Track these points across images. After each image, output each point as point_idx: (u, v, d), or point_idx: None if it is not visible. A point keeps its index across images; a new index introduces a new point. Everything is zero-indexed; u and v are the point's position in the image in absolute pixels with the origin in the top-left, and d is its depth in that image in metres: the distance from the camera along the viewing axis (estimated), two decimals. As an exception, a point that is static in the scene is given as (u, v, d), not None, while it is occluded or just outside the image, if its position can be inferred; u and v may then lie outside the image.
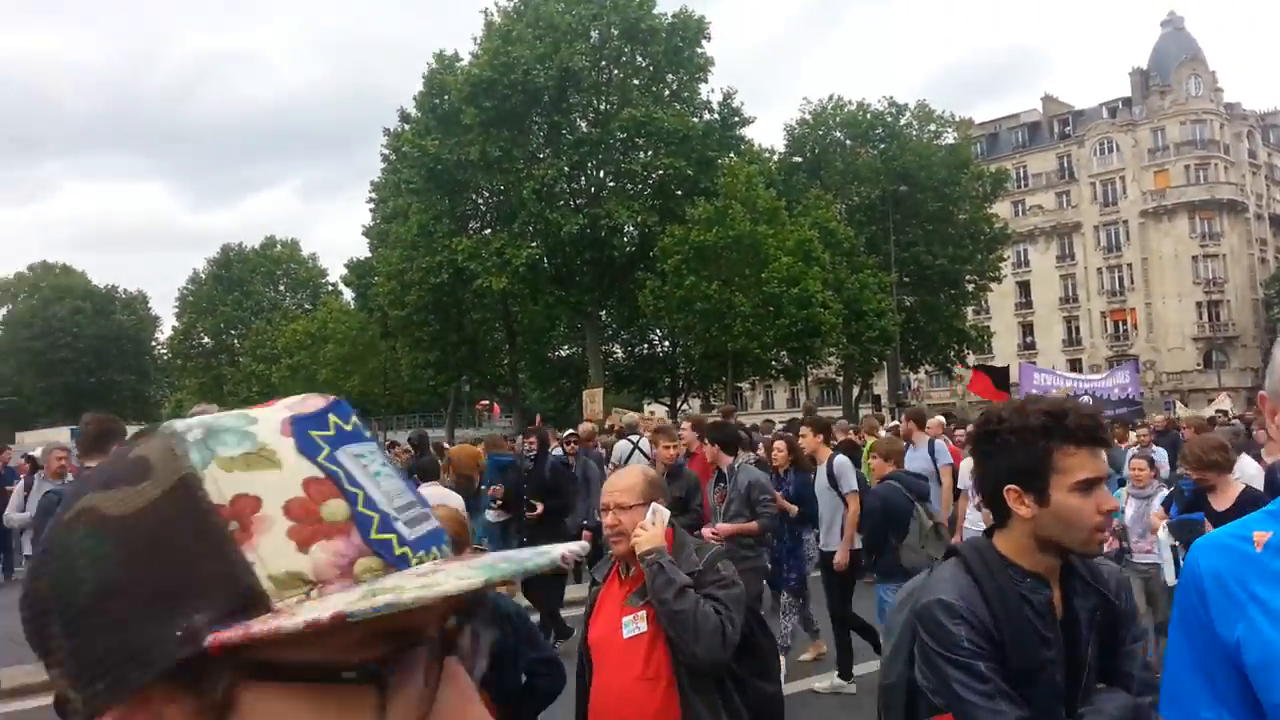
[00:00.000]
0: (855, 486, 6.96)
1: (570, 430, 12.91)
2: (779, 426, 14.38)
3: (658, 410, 54.48)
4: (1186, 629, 1.34)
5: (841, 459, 7.19)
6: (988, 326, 52.30)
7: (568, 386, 45.33)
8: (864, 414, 42.25)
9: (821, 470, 7.19)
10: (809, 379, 43.74)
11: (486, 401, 53.77)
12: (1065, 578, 2.01)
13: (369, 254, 46.75)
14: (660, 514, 2.79)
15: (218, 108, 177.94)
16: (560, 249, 35.56)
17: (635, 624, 2.74)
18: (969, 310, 48.69)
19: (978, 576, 1.95)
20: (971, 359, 47.42)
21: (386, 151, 42.40)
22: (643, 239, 36.58)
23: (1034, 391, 23.76)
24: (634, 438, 10.42)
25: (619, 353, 45.16)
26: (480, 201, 39.45)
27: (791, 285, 31.81)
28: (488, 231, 37.88)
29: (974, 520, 7.58)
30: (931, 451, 9.43)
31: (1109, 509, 1.93)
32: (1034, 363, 65.47)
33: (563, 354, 46.85)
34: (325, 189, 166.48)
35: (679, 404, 44.58)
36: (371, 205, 46.40)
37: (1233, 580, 1.28)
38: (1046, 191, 68.66)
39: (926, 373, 52.42)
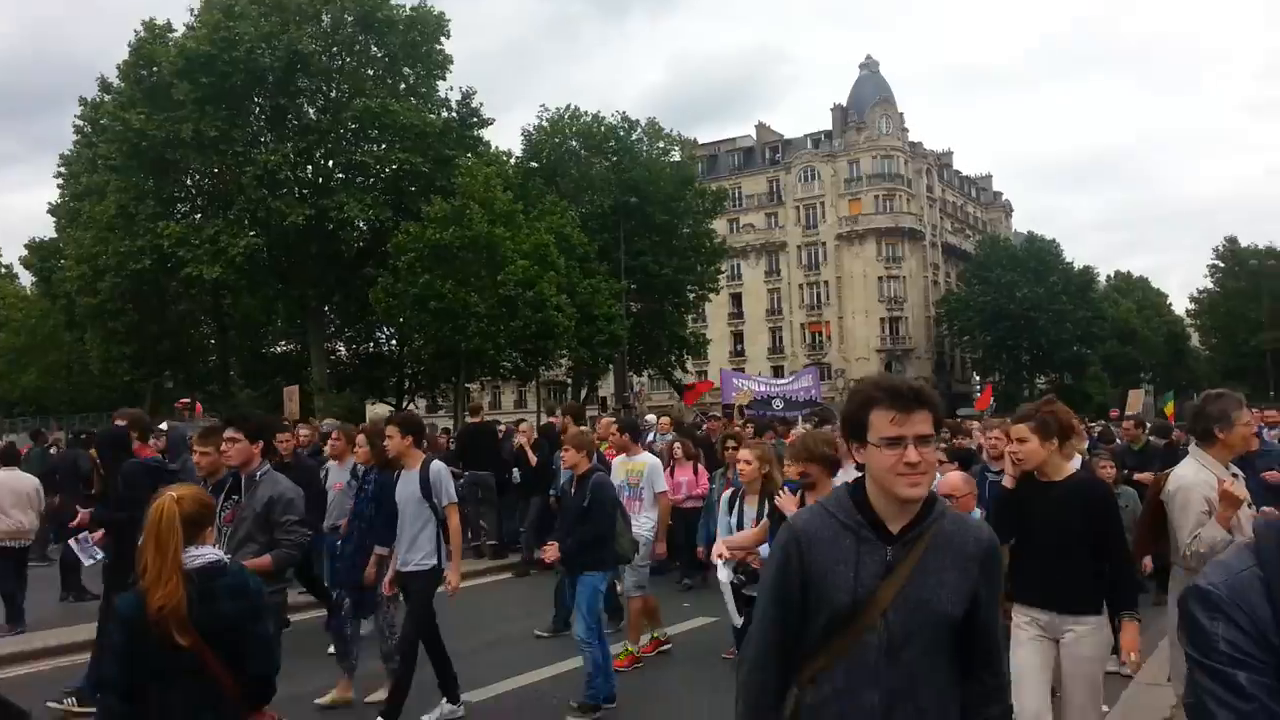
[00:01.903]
0: (455, 498, 6.16)
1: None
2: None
3: (381, 409, 52.74)
4: None
5: (438, 465, 6.15)
6: (704, 334, 55.47)
7: (283, 385, 42.75)
8: (591, 415, 43.61)
9: (412, 476, 6.05)
10: (539, 380, 44.28)
11: (188, 400, 49.51)
12: None
13: (55, 234, 41.68)
14: None
15: None
16: (283, 240, 33.57)
17: None
18: (689, 318, 51.39)
19: (1264, 561, 1.49)
20: (690, 364, 50.24)
21: (81, 123, 38.07)
22: (374, 234, 35.37)
23: (734, 395, 25.96)
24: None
25: (343, 350, 43.32)
26: (191, 184, 36.40)
27: (527, 288, 32.12)
28: (199, 217, 35.05)
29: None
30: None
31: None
32: (743, 369, 70.43)
33: (280, 350, 44.17)
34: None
35: (404, 404, 43.53)
36: (60, 181, 41.42)
37: None
38: (758, 211, 74.06)
39: (650, 376, 54.72)
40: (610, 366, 44.56)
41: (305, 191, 34.70)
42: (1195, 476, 4.25)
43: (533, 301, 32.35)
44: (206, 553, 3.03)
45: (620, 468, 7.91)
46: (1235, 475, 4.29)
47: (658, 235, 44.50)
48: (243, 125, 33.69)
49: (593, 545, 6.26)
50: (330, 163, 35.76)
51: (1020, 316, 60.70)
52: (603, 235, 42.11)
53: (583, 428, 8.25)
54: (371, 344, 42.68)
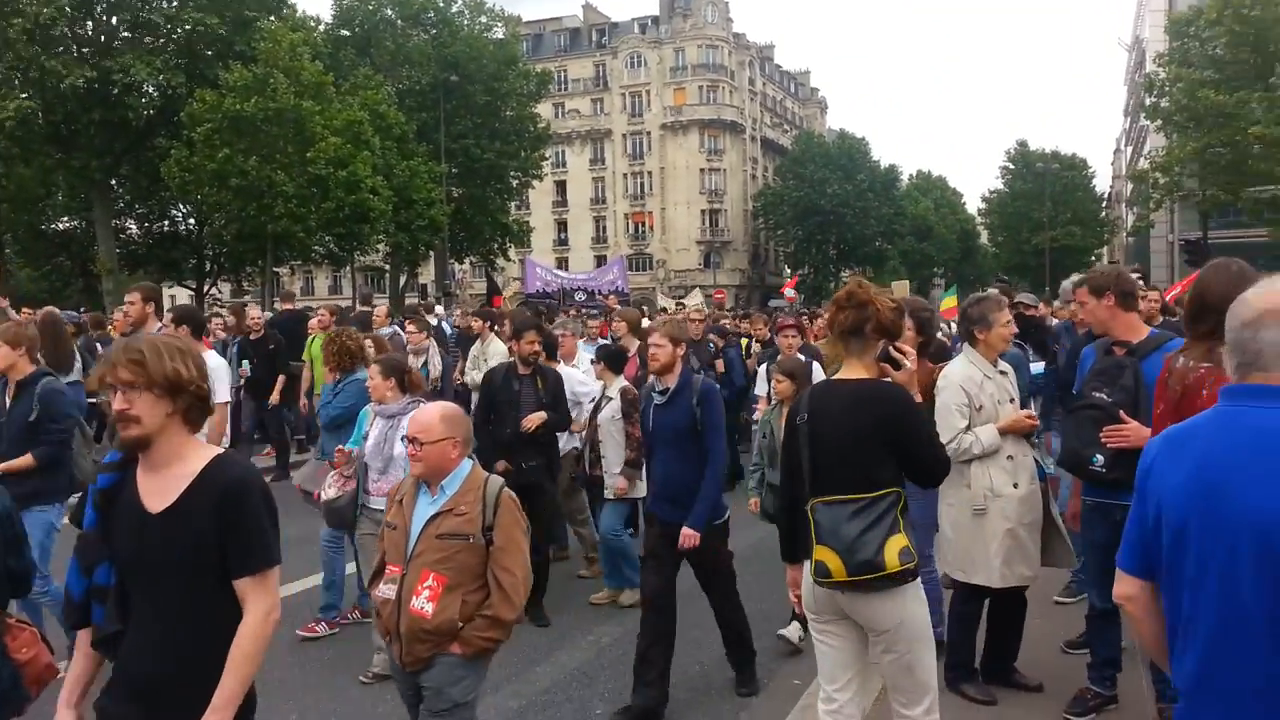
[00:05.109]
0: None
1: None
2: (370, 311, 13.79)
3: (179, 295, 49.46)
4: None
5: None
6: (528, 221, 54.78)
7: (67, 265, 39.31)
8: (410, 301, 42.57)
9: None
10: (355, 265, 42.66)
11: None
12: None
13: None
14: None
15: None
16: (61, 104, 30.19)
17: None
18: (512, 205, 50.48)
19: None
20: (513, 252, 49.63)
21: None
22: (166, 101, 32.32)
23: (538, 285, 26.14)
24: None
25: (134, 228, 40.00)
26: (-55, 34, 31.95)
27: (340, 167, 30.49)
28: (-42, 73, 30.98)
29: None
30: None
31: None
32: (566, 259, 70.43)
33: (62, 227, 40.29)
34: None
35: (206, 288, 41.01)
36: None
37: None
38: (584, 97, 72.85)
39: (471, 264, 53.76)
40: (431, 253, 43.40)
41: (85, 50, 31.22)
42: (962, 372, 4.58)
43: (345, 182, 30.75)
44: None
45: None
46: (1003, 372, 4.65)
47: (479, 117, 43.05)
48: (7, -30, 29.74)
49: (44, 471, 5.03)
50: (114, 19, 32.22)
51: (830, 212, 63.25)
52: (421, 115, 40.32)
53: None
54: (167, 222, 39.57)
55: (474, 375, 9.57)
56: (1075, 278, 8.16)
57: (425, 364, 9.31)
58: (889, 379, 3.36)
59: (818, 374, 6.29)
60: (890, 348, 3.37)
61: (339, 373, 6.34)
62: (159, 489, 2.38)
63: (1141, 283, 5.74)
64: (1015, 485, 4.46)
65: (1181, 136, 34.56)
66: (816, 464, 3.28)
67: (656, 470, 5.11)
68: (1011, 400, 4.61)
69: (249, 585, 2.37)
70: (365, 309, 15.69)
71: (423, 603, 3.17)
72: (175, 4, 31.67)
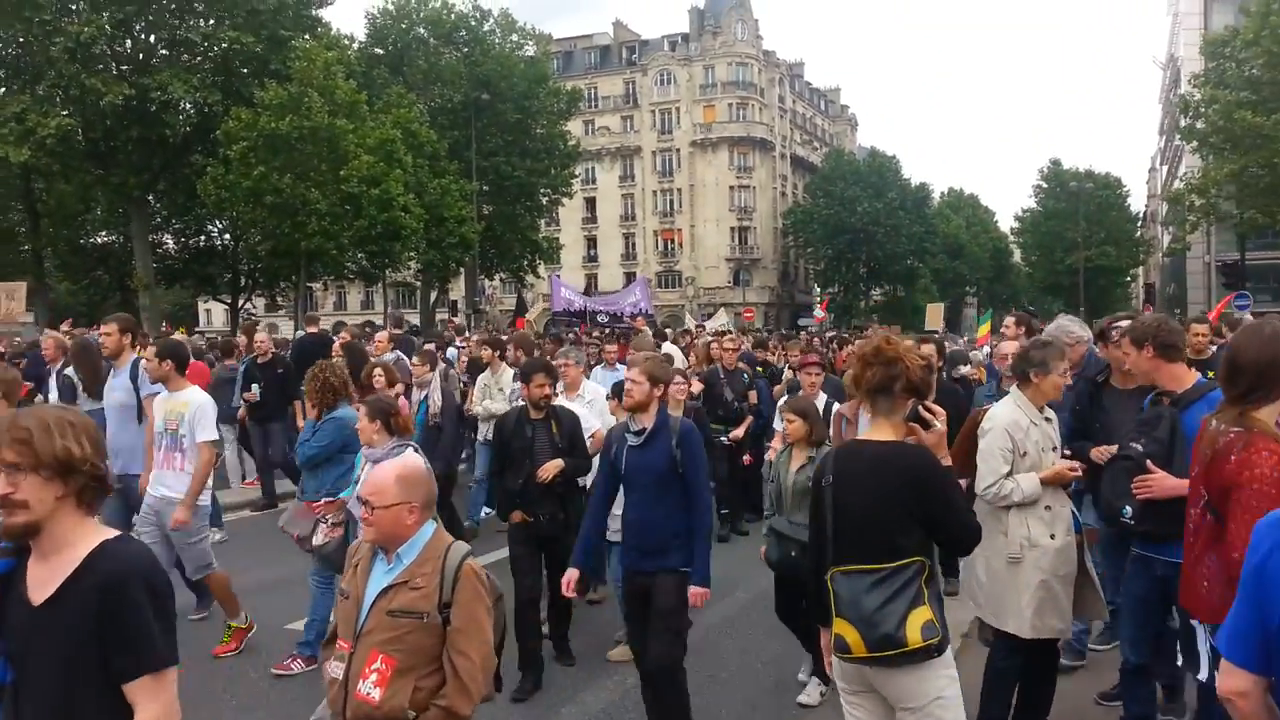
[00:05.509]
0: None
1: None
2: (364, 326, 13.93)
3: (215, 309, 50.01)
4: None
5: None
6: (558, 238, 55.01)
7: (105, 279, 39.97)
8: (440, 317, 42.90)
9: (125, 372, 6.66)
10: (386, 282, 43.04)
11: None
12: None
13: None
14: None
15: None
16: (100, 121, 30.74)
17: None
18: (542, 222, 50.76)
19: None
20: (543, 269, 49.86)
21: None
22: (202, 119, 32.85)
23: (563, 304, 26.16)
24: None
25: (170, 243, 40.63)
26: (-9, 54, 32.68)
27: (373, 185, 30.83)
28: (2, 92, 31.63)
29: None
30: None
31: None
32: (595, 275, 70.59)
33: (100, 241, 41.02)
34: None
35: (241, 303, 41.56)
36: None
37: None
38: (614, 114, 73.17)
39: (501, 280, 54.06)
40: (461, 270, 43.71)
41: (124, 68, 31.78)
42: (1009, 416, 4.45)
43: (378, 200, 31.10)
44: None
45: (160, 406, 6.28)
46: (1049, 419, 4.53)
47: (510, 135, 43.36)
48: (50, -10, 30.41)
49: None
50: (152, 38, 32.77)
51: (860, 230, 62.97)
52: (453, 133, 40.70)
53: None
54: (203, 237, 40.19)
55: (487, 405, 9.35)
56: (1017, 314, 8.11)
57: (426, 398, 8.82)
58: (916, 440, 3.23)
59: (835, 408, 6.19)
60: (920, 407, 3.24)
61: (321, 409, 6.06)
62: (44, 578, 2.13)
63: (1185, 318, 5.64)
64: (1052, 536, 4.36)
65: (1218, 158, 34.10)
66: (838, 529, 3.16)
67: (629, 516, 4.79)
68: (1055, 449, 4.51)
69: (136, 690, 2.10)
70: (396, 331, 15.85)
71: (369, 687, 2.86)
72: (212, 22, 32.18)
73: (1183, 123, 36.34)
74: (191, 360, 9.56)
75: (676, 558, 4.58)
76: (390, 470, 3.04)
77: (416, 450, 4.95)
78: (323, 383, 6.07)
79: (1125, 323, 5.12)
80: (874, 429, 3.26)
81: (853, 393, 3.47)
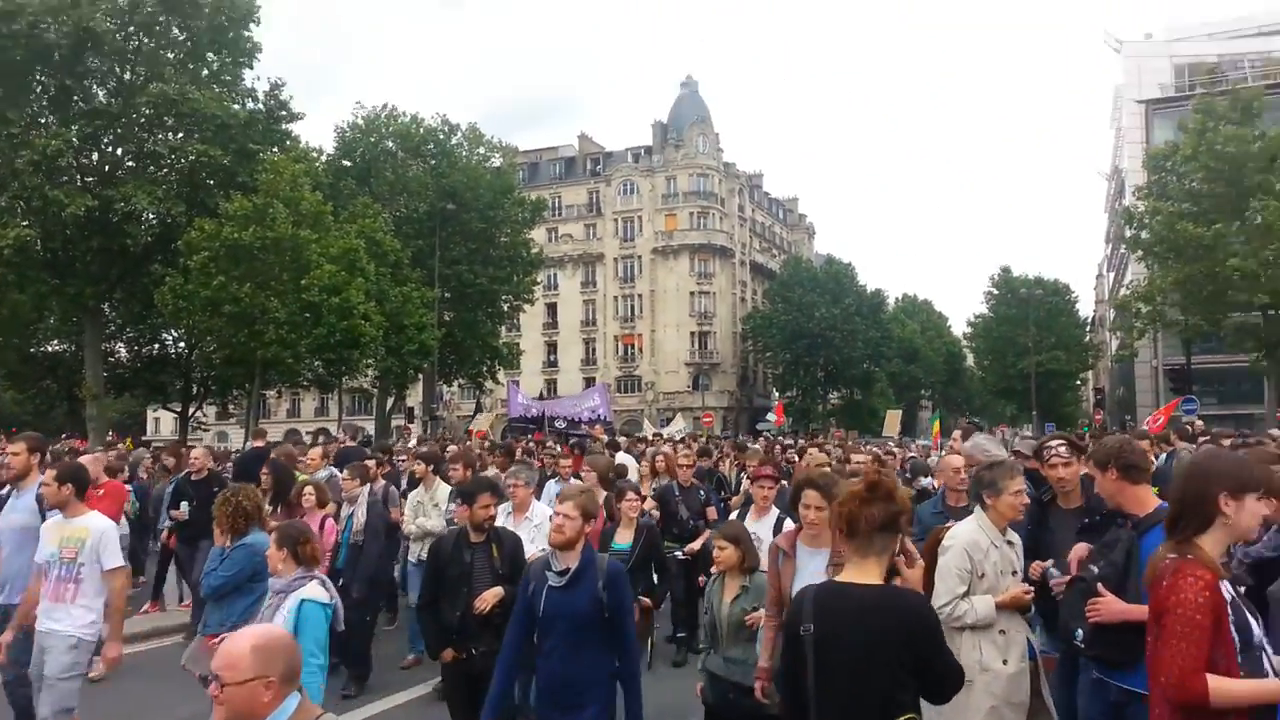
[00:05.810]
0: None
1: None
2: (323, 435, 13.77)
3: (164, 418, 49.09)
4: None
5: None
6: (518, 344, 55.15)
7: (53, 388, 39.08)
8: (395, 425, 42.43)
9: (30, 493, 6.19)
10: (343, 389, 42.66)
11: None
12: None
13: None
14: None
15: None
16: (61, 231, 30.60)
17: None
18: (503, 328, 50.89)
19: None
20: (502, 375, 49.79)
21: None
22: (164, 229, 32.82)
23: (519, 410, 25.97)
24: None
25: (123, 351, 39.99)
26: (-48, 165, 32.63)
27: (333, 294, 30.79)
28: (-42, 202, 31.51)
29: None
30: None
31: None
32: (555, 380, 70.63)
33: (51, 350, 40.27)
34: None
35: (192, 411, 40.82)
36: None
37: None
38: (577, 222, 74.56)
39: (460, 386, 53.83)
40: (419, 376, 43.49)
41: (89, 180, 31.82)
42: (969, 537, 4.41)
43: (338, 308, 31.02)
44: None
45: (53, 531, 5.69)
46: (1010, 542, 4.50)
47: (474, 243, 43.82)
48: (22, 104, 30.60)
49: None
50: (119, 150, 32.92)
51: (818, 335, 63.95)
52: (417, 241, 41.05)
53: None
54: (156, 345, 39.66)
55: (421, 523, 8.71)
56: (964, 426, 8.20)
57: (352, 515, 8.39)
58: (900, 581, 3.07)
59: (787, 524, 5.66)
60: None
61: (231, 535, 5.65)
62: None
63: (1135, 423, 5.70)
64: (1005, 661, 4.28)
65: (1162, 267, 35.24)
66: (821, 685, 2.90)
67: (543, 667, 4.37)
68: (1014, 573, 4.47)
69: None
70: (350, 442, 15.63)
71: None
72: (180, 136, 32.48)
73: (1128, 233, 37.65)
74: (105, 480, 9.36)
75: (594, 709, 4.24)
76: (244, 640, 2.63)
77: (324, 584, 4.65)
78: (234, 507, 5.65)
79: (1059, 444, 5.18)
80: (857, 569, 3.03)
81: (843, 530, 3.12)
